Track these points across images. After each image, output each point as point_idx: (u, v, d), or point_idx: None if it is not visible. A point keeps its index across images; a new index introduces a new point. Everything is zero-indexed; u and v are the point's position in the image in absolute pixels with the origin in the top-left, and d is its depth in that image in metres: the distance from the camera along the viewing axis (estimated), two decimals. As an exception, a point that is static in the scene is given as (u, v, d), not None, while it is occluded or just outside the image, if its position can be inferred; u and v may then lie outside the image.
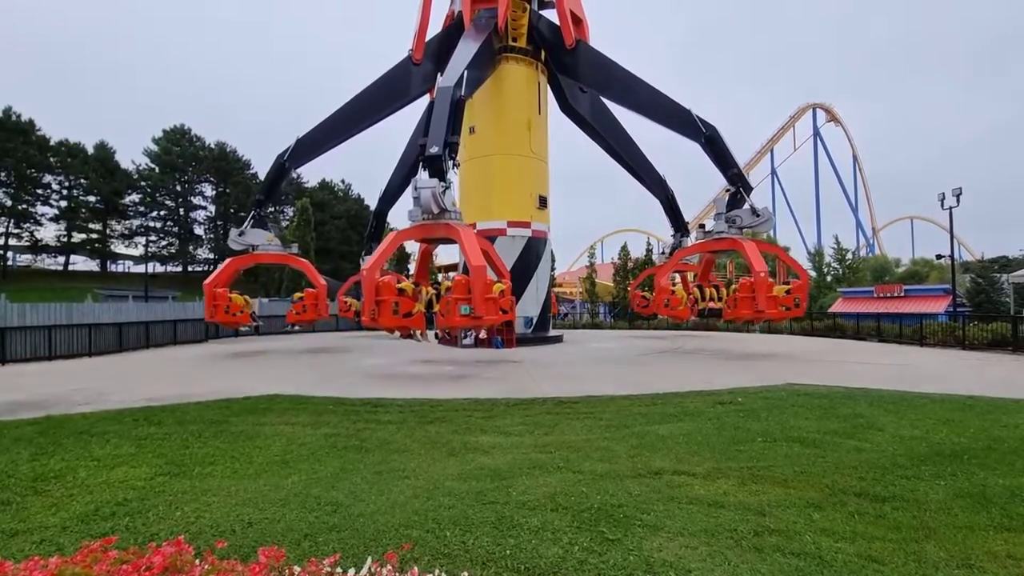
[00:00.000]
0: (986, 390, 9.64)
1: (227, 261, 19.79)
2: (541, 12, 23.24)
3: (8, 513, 4.22)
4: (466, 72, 16.17)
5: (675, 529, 3.78)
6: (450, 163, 14.04)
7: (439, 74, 21.79)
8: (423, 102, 23.66)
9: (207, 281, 18.44)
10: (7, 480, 5.01)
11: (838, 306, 37.66)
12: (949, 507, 4.18)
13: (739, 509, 4.15)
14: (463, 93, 15.33)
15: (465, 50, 18.45)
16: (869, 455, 5.63)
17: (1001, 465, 5.24)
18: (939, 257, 39.53)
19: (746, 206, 17.68)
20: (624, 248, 45.39)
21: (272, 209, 60.88)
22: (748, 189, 18.19)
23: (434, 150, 13.73)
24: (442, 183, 13.44)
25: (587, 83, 22.77)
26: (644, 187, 25.65)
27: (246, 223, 19.85)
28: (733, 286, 17.78)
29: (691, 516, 4.01)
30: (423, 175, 14.02)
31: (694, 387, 10.20)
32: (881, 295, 36.78)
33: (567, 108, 25.10)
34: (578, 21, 22.44)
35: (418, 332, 13.63)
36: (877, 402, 8.48)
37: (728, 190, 18.46)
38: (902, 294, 35.94)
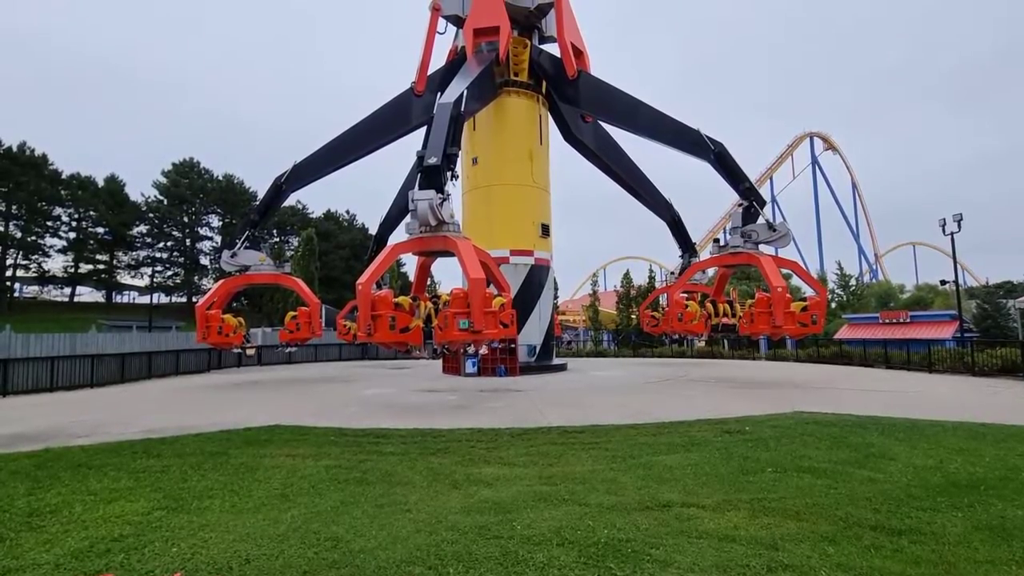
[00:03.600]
0: (999, 417, 9.45)
1: (219, 283, 19.83)
2: (542, 47, 23.94)
3: (2, 549, 4.12)
4: (466, 92, 16.37)
5: (685, 564, 3.66)
6: (448, 174, 13.85)
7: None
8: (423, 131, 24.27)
9: (199, 303, 18.75)
10: (2, 515, 4.92)
11: (844, 332, 37.35)
12: (968, 540, 4.04)
13: (751, 543, 4.02)
14: (462, 110, 15.50)
15: (466, 75, 18.96)
16: (883, 486, 5.48)
17: (1020, 496, 5.09)
18: (943, 283, 39.42)
19: (761, 220, 17.47)
20: (627, 275, 45.51)
21: (276, 240, 61.66)
22: (761, 203, 18.00)
23: (433, 160, 13.53)
24: (439, 194, 13.17)
25: (591, 110, 23.16)
26: (650, 210, 25.81)
27: (239, 244, 19.78)
28: (749, 301, 17.63)
29: (701, 551, 3.89)
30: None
31: (701, 415, 10.04)
32: (887, 321, 36.51)
33: (570, 138, 25.57)
34: (579, 53, 23.03)
35: (417, 348, 13.26)
36: (889, 430, 8.31)
37: (741, 204, 18.26)
38: (908, 320, 35.66)
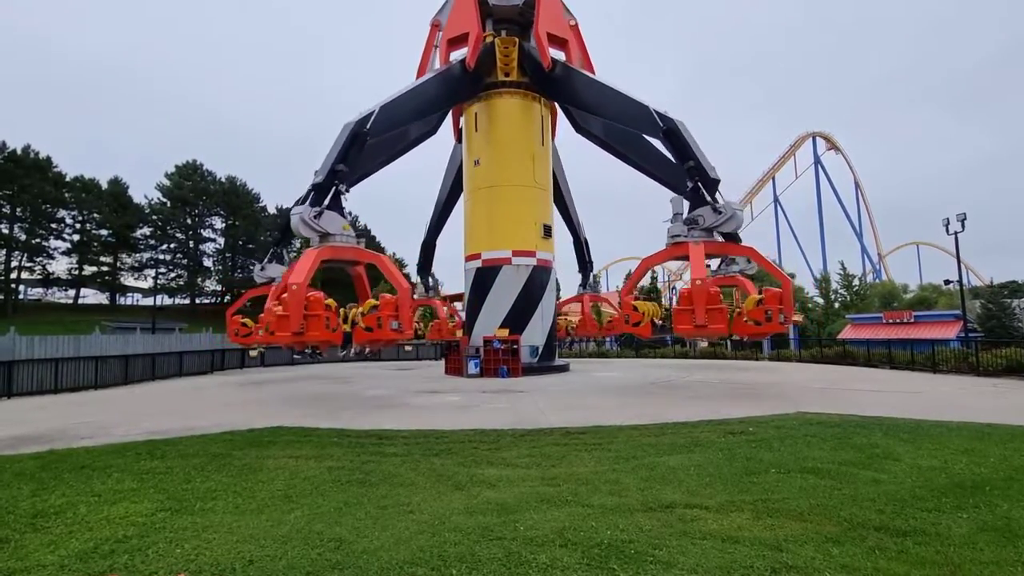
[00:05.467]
0: (1004, 417, 9.40)
1: (245, 293, 22.58)
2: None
3: (6, 551, 4.14)
4: (377, 110, 17.22)
5: (689, 566, 3.65)
6: (341, 188, 15.16)
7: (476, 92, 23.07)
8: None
9: (229, 310, 22.13)
10: (6, 516, 4.94)
11: (847, 333, 37.25)
12: (974, 541, 4.02)
13: (754, 544, 4.01)
14: (368, 128, 16.42)
15: (401, 92, 19.17)
16: (887, 487, 5.46)
17: (1025, 496, 5.07)
18: (947, 283, 39.29)
19: (709, 204, 15.12)
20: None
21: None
22: (711, 184, 15.43)
23: (318, 179, 15.14)
24: (314, 208, 14.30)
25: (571, 102, 22.81)
26: (673, 191, 23.26)
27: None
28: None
29: (705, 552, 3.88)
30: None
31: (703, 416, 10.01)
32: (890, 321, 36.39)
33: (580, 129, 25.59)
34: (562, 42, 22.72)
35: (339, 348, 14.94)
36: (892, 431, 8.28)
37: (688, 186, 16.05)
38: (912, 320, 35.54)
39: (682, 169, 22.25)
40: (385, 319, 14.05)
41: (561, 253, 25.14)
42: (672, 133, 16.98)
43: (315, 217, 14.39)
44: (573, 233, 30.46)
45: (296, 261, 15.84)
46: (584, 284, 31.34)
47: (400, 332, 14.34)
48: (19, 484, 6.01)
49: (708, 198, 15.30)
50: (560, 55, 23.02)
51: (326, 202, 15.13)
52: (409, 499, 5.30)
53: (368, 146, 22.90)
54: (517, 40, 22.42)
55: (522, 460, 6.89)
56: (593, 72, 23.25)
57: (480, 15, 22.83)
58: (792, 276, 25.62)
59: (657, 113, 17.72)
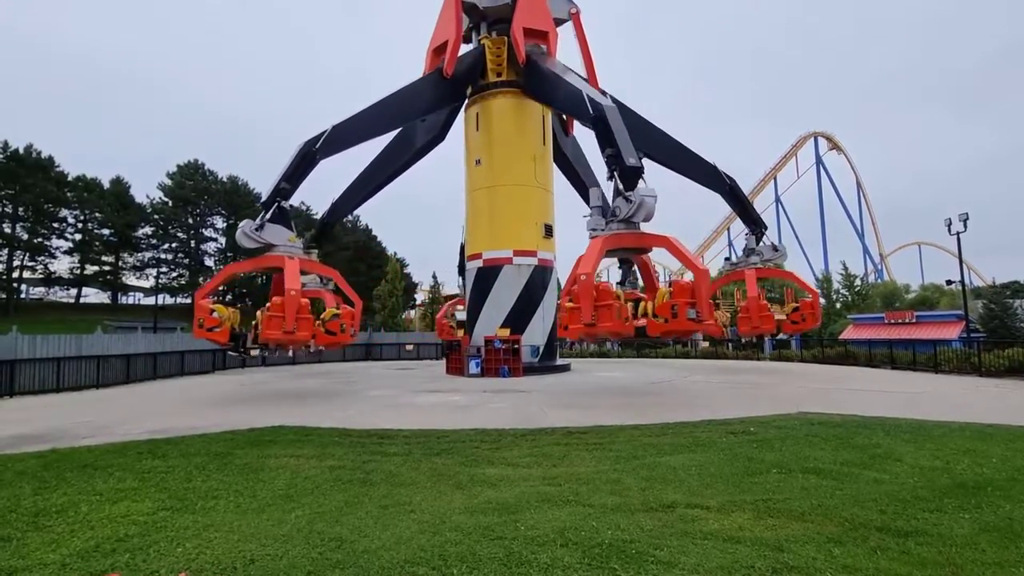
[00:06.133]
0: (1006, 418, 9.39)
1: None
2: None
3: (8, 550, 4.15)
4: (329, 129, 17.64)
5: (690, 566, 3.65)
6: (282, 204, 16.31)
7: (462, 97, 23.31)
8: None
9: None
10: (8, 515, 4.95)
11: (849, 333, 37.17)
12: (976, 542, 4.01)
13: (756, 544, 4.00)
14: (317, 147, 17.03)
15: (366, 108, 19.30)
16: (889, 487, 5.45)
17: (1028, 497, 5.05)
18: (949, 283, 39.22)
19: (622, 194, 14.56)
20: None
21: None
22: (626, 172, 14.55)
23: (264, 196, 16.62)
24: (254, 221, 15.71)
25: (542, 97, 22.22)
26: (700, 184, 22.86)
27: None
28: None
29: (706, 552, 3.87)
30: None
31: (705, 416, 10.01)
32: (892, 321, 36.32)
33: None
34: (542, 35, 22.41)
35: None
36: (894, 431, 8.27)
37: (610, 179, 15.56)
38: (914, 320, 35.47)
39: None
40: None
41: (562, 254, 25.11)
42: (599, 120, 15.87)
43: (256, 230, 15.64)
44: None
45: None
46: (623, 281, 26.40)
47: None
48: (21, 483, 6.03)
49: (620, 187, 14.50)
50: (563, 50, 23.14)
51: (267, 216, 16.10)
52: (410, 498, 5.30)
53: (377, 159, 24.11)
54: (506, 39, 22.42)
55: (523, 460, 6.89)
56: (590, 61, 23.10)
57: (472, 21, 23.19)
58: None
59: (590, 98, 16.67)
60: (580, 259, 13.89)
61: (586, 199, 25.54)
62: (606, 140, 15.46)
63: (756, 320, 19.13)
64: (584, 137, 25.72)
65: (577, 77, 20.48)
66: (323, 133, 17.61)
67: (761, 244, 21.87)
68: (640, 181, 14.49)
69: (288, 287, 14.53)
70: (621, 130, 15.45)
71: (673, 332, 13.66)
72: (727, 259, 23.52)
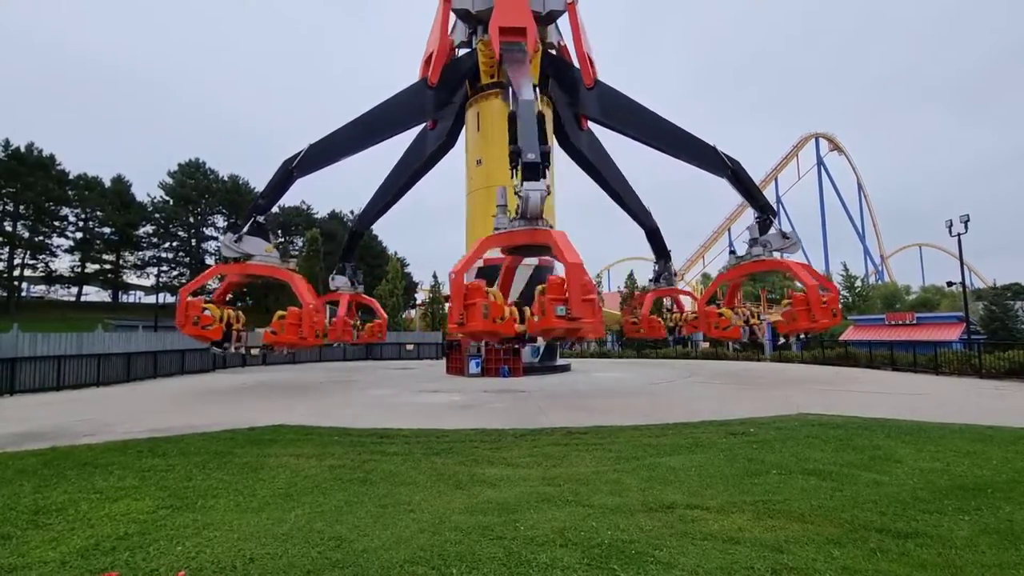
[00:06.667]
0: (1007, 420, 9.37)
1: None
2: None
3: (8, 547, 4.15)
4: (306, 148, 19.07)
5: (689, 566, 3.65)
6: (260, 219, 18.17)
7: (452, 103, 23.51)
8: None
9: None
10: (8, 513, 4.95)
11: (849, 334, 37.16)
12: (975, 544, 4.00)
13: (755, 545, 4.00)
14: (294, 166, 18.68)
15: (345, 123, 20.43)
16: (889, 488, 5.44)
17: (1028, 499, 5.05)
18: (950, 284, 39.16)
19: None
20: (631, 277, 45.43)
21: (281, 240, 61.84)
22: (525, 167, 14.36)
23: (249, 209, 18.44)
24: (232, 234, 17.53)
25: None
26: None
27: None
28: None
29: (705, 553, 3.87)
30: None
31: (705, 417, 10.00)
32: (893, 323, 36.31)
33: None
34: (520, 31, 22.53)
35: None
36: (894, 433, 8.26)
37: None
38: (914, 322, 35.45)
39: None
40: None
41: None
42: (511, 115, 15.67)
43: (235, 241, 17.31)
44: (639, 224, 26.84)
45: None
46: (657, 278, 26.39)
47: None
48: (21, 481, 6.03)
49: (515, 182, 14.37)
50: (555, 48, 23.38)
51: (245, 229, 17.82)
52: (410, 498, 5.30)
53: (395, 170, 24.73)
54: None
55: (523, 460, 6.89)
56: (582, 52, 23.07)
57: (470, 26, 23.47)
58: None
59: (513, 93, 16.51)
60: (466, 256, 14.37)
61: (611, 194, 26.13)
62: (512, 135, 15.29)
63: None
64: (601, 132, 25.69)
65: (525, 71, 19.12)
66: (300, 153, 18.82)
67: (770, 232, 19.87)
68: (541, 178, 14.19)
69: (305, 302, 16.87)
70: (526, 124, 15.05)
71: (546, 330, 12.67)
72: (732, 252, 22.49)
